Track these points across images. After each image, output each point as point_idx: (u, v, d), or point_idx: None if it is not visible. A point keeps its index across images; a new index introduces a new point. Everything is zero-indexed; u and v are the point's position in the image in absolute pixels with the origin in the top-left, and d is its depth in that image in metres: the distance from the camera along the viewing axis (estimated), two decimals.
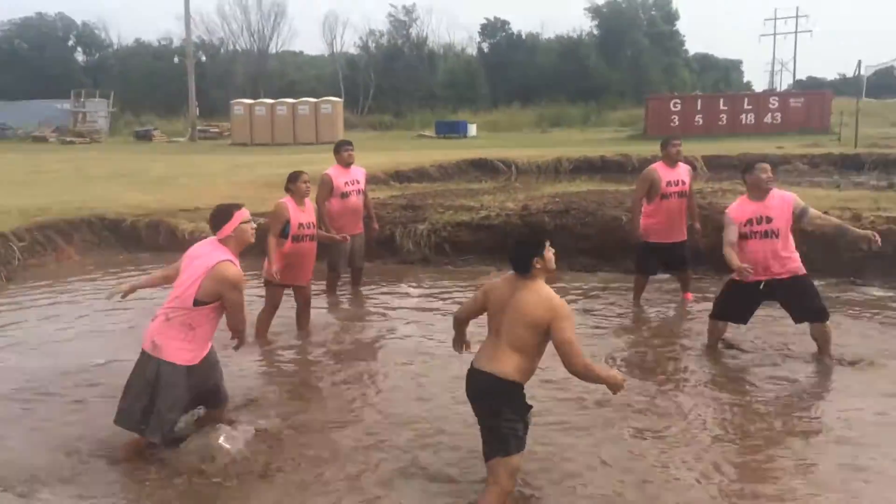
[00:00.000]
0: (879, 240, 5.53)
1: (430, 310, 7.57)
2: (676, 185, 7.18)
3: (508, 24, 59.70)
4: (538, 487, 3.92)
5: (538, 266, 3.68)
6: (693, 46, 65.83)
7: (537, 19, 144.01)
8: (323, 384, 5.61)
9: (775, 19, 69.32)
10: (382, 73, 56.32)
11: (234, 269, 4.21)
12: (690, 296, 7.61)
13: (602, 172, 19.05)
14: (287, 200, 6.42)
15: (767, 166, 5.65)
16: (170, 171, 17.67)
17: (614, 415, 4.76)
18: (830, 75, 72.94)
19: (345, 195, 7.78)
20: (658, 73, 54.25)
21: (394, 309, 7.67)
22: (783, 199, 5.62)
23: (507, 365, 3.60)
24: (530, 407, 3.71)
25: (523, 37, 59.77)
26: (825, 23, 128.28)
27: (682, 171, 7.29)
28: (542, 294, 3.63)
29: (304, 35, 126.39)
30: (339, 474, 4.12)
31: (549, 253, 3.76)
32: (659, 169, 7.24)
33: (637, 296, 7.57)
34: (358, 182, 7.94)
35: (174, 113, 46.66)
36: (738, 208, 5.66)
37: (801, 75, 71.71)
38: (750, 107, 30.99)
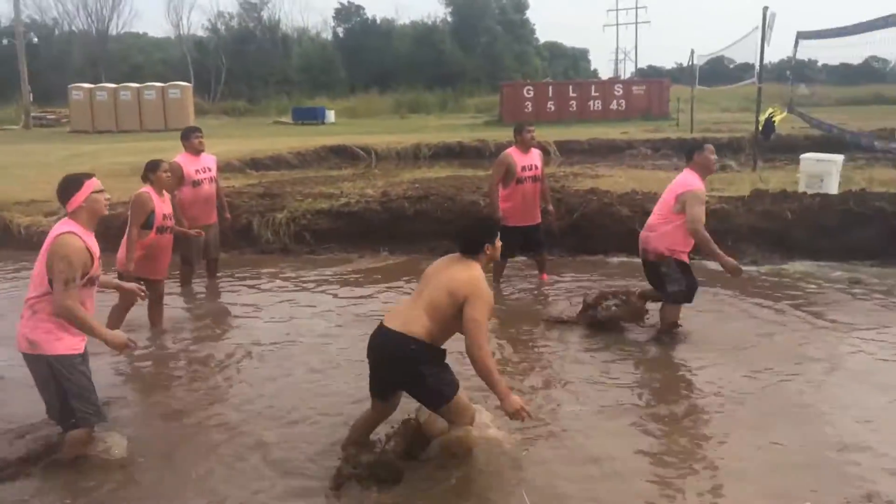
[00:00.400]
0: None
1: (289, 300, 7.45)
2: (530, 169, 7.41)
3: (363, 8, 59.27)
4: None
5: (487, 251, 3.87)
6: (543, 35, 67.94)
7: (391, 4, 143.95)
8: (181, 379, 5.41)
9: (617, 10, 73.04)
10: (234, 56, 54.31)
11: (71, 239, 3.89)
12: (546, 276, 7.91)
13: (460, 158, 19.38)
14: (149, 190, 6.19)
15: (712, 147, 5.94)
16: (2, 161, 16.37)
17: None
18: (668, 64, 77.48)
19: (196, 183, 7.49)
20: (511, 61, 55.59)
21: (252, 299, 7.49)
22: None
23: (416, 325, 3.71)
24: (444, 351, 3.85)
25: (378, 22, 59.51)
26: (662, 14, 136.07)
27: (535, 156, 7.53)
28: (473, 272, 3.80)
29: (147, 16, 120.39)
30: (196, 469, 4.01)
31: (498, 242, 3.95)
32: (514, 154, 7.43)
33: (497, 278, 7.75)
34: (209, 170, 7.67)
35: (5, 99, 42.98)
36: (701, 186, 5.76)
37: (643, 64, 75.85)
38: (597, 94, 32.41)
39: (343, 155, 19.63)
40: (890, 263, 8.10)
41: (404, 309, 3.87)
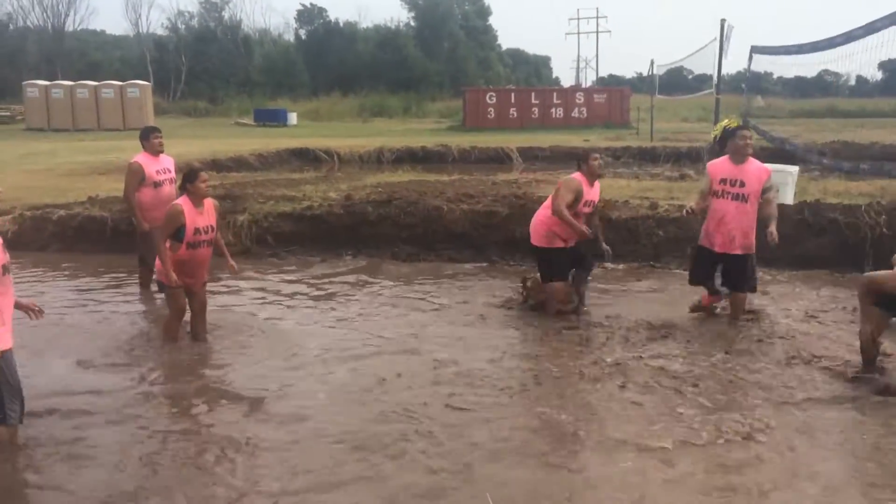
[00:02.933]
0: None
1: (247, 303, 7.37)
2: (589, 206, 6.72)
3: (325, 11, 59.11)
4: None
5: None
6: (506, 41, 68.53)
7: (354, 7, 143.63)
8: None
9: (578, 19, 73.79)
10: (194, 56, 53.66)
11: None
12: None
13: (424, 162, 19.42)
14: (182, 202, 5.72)
15: (748, 133, 6.51)
16: None
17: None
18: (629, 73, 78.63)
19: (157, 184, 7.37)
20: (474, 66, 55.92)
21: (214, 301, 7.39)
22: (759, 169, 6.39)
23: None
24: None
25: (341, 25, 59.33)
26: (623, 24, 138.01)
27: (597, 191, 6.85)
28: None
29: (105, 13, 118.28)
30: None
31: None
32: (583, 183, 6.65)
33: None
34: (169, 171, 7.55)
35: None
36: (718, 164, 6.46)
37: (604, 72, 76.76)
38: (559, 101, 32.78)
39: (305, 157, 19.54)
40: (843, 272, 8.33)
41: None
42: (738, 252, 6.30)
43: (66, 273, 8.61)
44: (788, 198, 9.69)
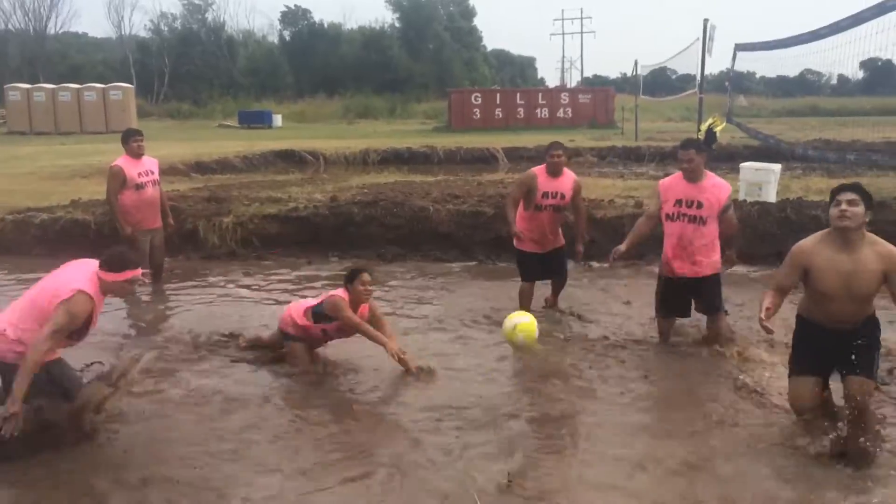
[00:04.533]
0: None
1: (242, 304, 7.35)
2: (553, 197, 6.42)
3: (310, 12, 58.85)
4: None
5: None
6: (490, 42, 68.61)
7: (339, 8, 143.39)
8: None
9: (563, 19, 74.18)
10: (178, 58, 53.29)
11: (84, 300, 4.17)
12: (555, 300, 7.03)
13: (409, 164, 19.42)
14: (342, 293, 5.39)
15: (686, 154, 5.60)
16: None
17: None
18: (613, 74, 78.95)
19: (140, 187, 7.35)
20: (459, 67, 55.88)
21: (197, 303, 7.37)
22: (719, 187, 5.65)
23: None
24: None
25: (326, 26, 59.15)
26: (607, 25, 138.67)
27: (565, 184, 6.48)
28: None
29: (86, 16, 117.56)
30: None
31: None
32: (539, 175, 6.44)
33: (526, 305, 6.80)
34: (152, 173, 7.53)
35: None
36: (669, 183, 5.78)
37: (588, 73, 77.11)
38: (544, 102, 32.84)
39: (291, 159, 19.48)
40: None
41: None
42: (708, 273, 5.68)
43: None
44: (771, 196, 9.78)
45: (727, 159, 17.08)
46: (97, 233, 9.37)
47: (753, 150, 17.79)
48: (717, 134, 18.71)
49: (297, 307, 5.59)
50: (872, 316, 4.22)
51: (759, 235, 8.75)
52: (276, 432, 4.45)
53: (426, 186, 11.97)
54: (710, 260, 5.67)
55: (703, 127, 17.17)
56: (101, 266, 4.26)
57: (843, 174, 13.71)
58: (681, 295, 5.79)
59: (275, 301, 7.46)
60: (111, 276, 4.22)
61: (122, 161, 7.36)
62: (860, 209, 3.98)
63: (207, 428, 4.53)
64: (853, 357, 4.08)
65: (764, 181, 9.89)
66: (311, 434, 4.45)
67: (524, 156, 20.15)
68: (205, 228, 9.69)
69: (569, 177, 6.53)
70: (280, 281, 8.35)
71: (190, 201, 10.49)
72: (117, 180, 7.25)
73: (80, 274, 4.22)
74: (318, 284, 8.16)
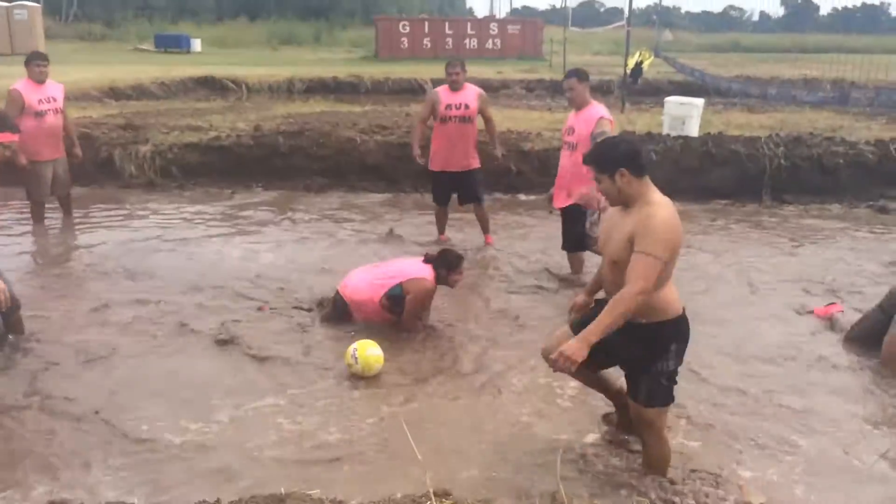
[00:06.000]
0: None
1: (151, 238, 7.10)
2: (458, 108, 6.57)
3: None
4: None
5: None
6: None
7: None
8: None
9: None
10: None
11: None
12: (491, 239, 7.02)
13: (336, 93, 18.96)
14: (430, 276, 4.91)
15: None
16: None
17: None
18: (542, 5, 78.36)
19: (39, 114, 6.90)
20: None
21: (109, 236, 7.11)
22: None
23: None
24: None
25: None
26: None
27: (468, 96, 6.65)
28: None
29: None
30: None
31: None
32: (441, 91, 6.69)
33: (441, 229, 7.08)
34: (55, 100, 7.07)
35: None
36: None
37: (518, 4, 76.33)
38: (473, 32, 32.40)
39: (211, 87, 18.77)
40: (743, 202, 8.71)
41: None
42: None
43: None
44: (694, 130, 9.98)
45: (653, 94, 17.35)
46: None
47: (677, 86, 18.06)
48: (644, 68, 19.00)
49: (376, 286, 4.85)
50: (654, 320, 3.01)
51: (681, 169, 8.95)
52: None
53: (353, 117, 11.73)
54: (580, 190, 5.63)
55: (631, 61, 17.41)
56: None
57: (762, 110, 14.11)
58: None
59: (199, 229, 7.28)
60: None
61: (21, 85, 6.90)
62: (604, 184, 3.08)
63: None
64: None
65: (686, 115, 10.07)
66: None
67: None
68: (121, 157, 9.30)
69: (472, 90, 6.75)
70: (202, 212, 8.12)
71: (104, 128, 10.01)
72: (15, 105, 6.78)
73: None
74: (242, 215, 7.99)
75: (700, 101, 10.59)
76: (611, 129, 5.53)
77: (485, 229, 7.01)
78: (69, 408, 3.84)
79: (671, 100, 10.72)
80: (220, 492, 2.93)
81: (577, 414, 3.89)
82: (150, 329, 4.91)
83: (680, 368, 3.10)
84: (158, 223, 7.63)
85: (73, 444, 3.52)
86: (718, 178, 8.94)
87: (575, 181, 5.64)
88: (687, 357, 3.12)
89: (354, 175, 9.35)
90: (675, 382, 3.10)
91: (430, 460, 3.16)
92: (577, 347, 2.82)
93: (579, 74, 5.67)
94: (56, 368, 4.30)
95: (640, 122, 11.43)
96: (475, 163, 6.74)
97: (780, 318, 5.26)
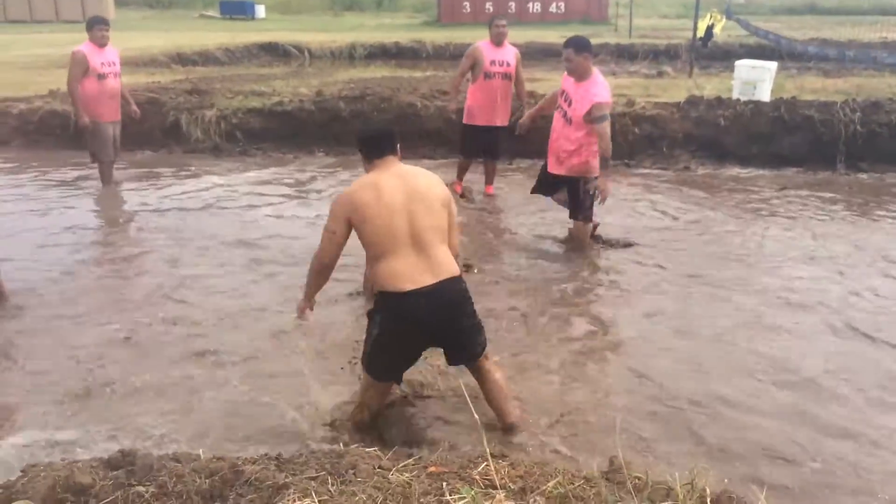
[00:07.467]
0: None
1: (224, 200, 7.26)
2: (500, 65, 6.82)
3: None
4: None
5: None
6: None
7: None
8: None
9: None
10: None
11: None
12: (491, 189, 7.43)
13: (397, 58, 18.91)
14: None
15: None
16: None
17: None
18: None
19: (102, 76, 7.06)
20: None
21: (188, 200, 7.28)
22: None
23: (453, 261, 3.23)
24: None
25: None
26: None
27: (509, 53, 6.88)
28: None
29: None
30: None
31: None
32: (483, 47, 6.86)
33: (460, 176, 7.34)
34: (114, 64, 7.23)
35: None
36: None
37: None
38: None
39: (275, 52, 18.93)
40: (815, 170, 8.39)
41: (431, 250, 3.17)
42: (563, 174, 5.64)
43: (31, 169, 8.40)
44: (765, 95, 9.63)
45: (723, 58, 16.77)
46: (77, 124, 9.15)
47: (749, 49, 17.40)
48: (716, 32, 18.36)
49: None
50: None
51: (751, 135, 8.66)
52: None
53: (414, 82, 11.69)
54: (571, 163, 5.54)
55: (702, 24, 16.83)
56: None
57: (838, 74, 13.51)
58: (550, 183, 5.85)
59: (261, 195, 7.39)
60: None
61: (85, 47, 7.05)
62: None
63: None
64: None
65: (758, 79, 9.70)
66: None
67: None
68: (187, 122, 9.48)
69: (511, 49, 6.95)
70: (266, 177, 8.24)
71: (171, 93, 10.21)
72: (80, 66, 6.96)
73: None
74: (304, 179, 8.08)
75: (773, 65, 10.18)
76: (608, 109, 5.35)
77: (490, 181, 7.45)
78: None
79: (742, 63, 10.33)
80: (280, 447, 2.99)
81: (631, 383, 3.83)
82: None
83: None
84: (233, 188, 7.78)
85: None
86: (790, 144, 8.62)
87: (565, 151, 5.52)
88: None
89: (415, 140, 9.33)
90: None
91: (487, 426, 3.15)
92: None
93: (577, 45, 5.38)
94: None
95: (708, 86, 11.08)
96: (506, 120, 7.07)
97: None
